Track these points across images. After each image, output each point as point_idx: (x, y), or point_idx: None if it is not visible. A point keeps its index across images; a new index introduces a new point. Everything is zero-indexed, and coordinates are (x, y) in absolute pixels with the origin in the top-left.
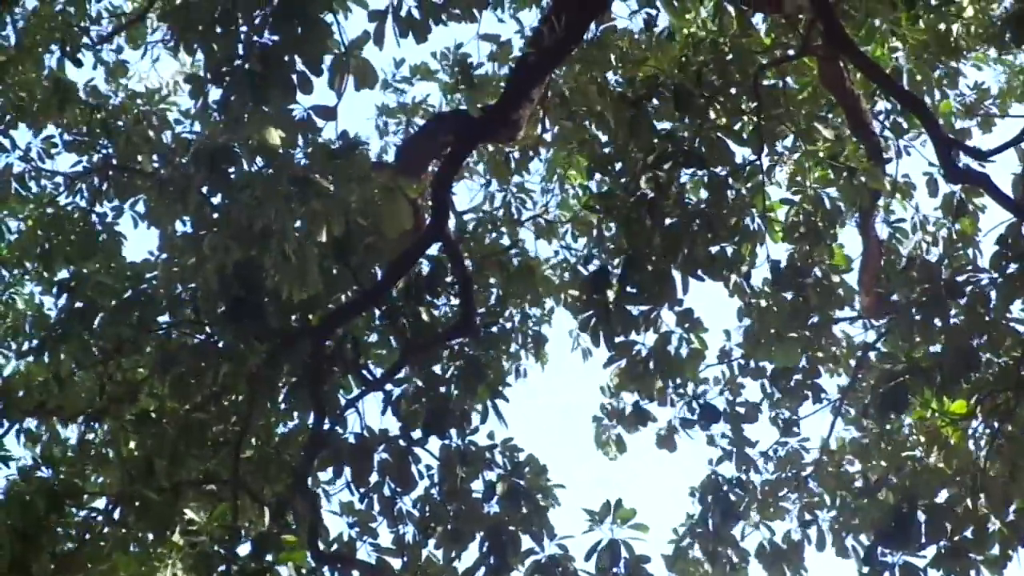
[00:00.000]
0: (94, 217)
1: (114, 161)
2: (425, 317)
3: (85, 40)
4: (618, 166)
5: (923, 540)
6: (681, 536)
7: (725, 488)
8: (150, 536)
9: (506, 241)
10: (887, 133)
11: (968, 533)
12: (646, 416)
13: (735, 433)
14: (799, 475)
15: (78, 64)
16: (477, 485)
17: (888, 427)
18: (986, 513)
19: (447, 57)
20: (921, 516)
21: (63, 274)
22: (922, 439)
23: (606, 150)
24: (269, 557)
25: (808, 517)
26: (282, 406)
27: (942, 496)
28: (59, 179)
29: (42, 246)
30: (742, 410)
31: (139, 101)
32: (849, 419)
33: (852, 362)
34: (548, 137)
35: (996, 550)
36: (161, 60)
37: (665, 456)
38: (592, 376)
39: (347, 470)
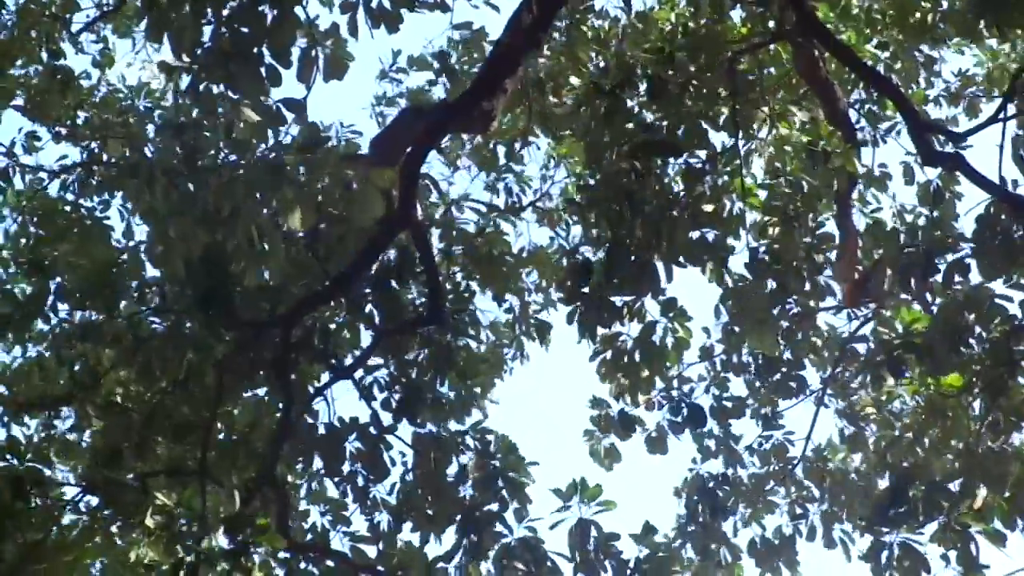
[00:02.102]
0: (83, 210)
1: (106, 156)
2: (394, 304)
3: (67, 31)
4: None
5: (921, 517)
6: (672, 538)
7: (711, 485)
8: (118, 524)
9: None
10: (863, 123)
11: (965, 508)
12: (633, 422)
13: (722, 429)
14: (785, 468)
15: (58, 56)
16: (451, 469)
17: (884, 398)
18: (984, 488)
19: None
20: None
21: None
22: (919, 410)
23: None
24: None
25: (798, 511)
26: (251, 394)
27: (939, 470)
28: (42, 174)
29: (31, 238)
30: (729, 405)
31: (120, 96)
32: (834, 408)
33: (836, 353)
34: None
35: (997, 524)
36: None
37: None
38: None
39: (318, 460)
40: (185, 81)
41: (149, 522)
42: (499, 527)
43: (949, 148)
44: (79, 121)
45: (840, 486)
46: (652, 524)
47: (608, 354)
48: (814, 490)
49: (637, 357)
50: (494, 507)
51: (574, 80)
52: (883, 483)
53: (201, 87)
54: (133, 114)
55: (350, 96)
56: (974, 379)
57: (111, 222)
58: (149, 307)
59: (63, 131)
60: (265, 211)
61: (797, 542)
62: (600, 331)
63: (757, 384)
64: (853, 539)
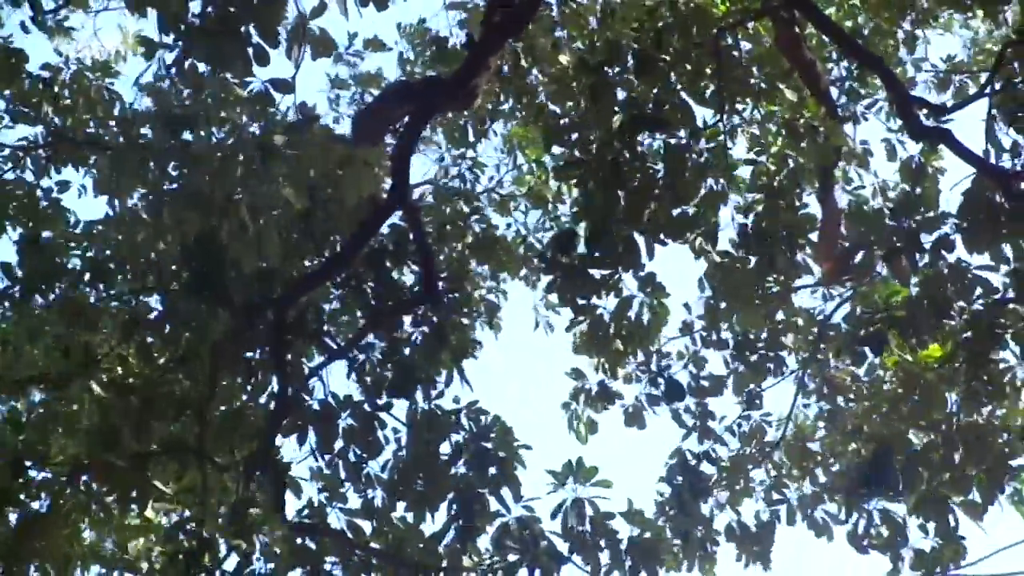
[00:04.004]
0: (39, 192)
1: (70, 135)
2: (387, 285)
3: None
4: (577, 135)
5: (900, 487)
6: (654, 520)
7: (693, 463)
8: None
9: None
10: (843, 100)
11: (945, 479)
12: (612, 395)
13: (700, 407)
14: (763, 449)
15: (25, 30)
16: (444, 448)
17: (863, 371)
18: (964, 459)
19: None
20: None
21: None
22: (896, 381)
23: (563, 121)
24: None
25: (776, 496)
26: (247, 375)
27: (918, 442)
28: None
29: None
30: (707, 383)
31: (87, 74)
32: (808, 392)
33: (814, 330)
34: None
35: (976, 496)
36: (105, 29)
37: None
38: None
39: (312, 437)
40: (169, 58)
41: (150, 513)
42: (495, 506)
43: (932, 123)
44: (42, 104)
45: (820, 467)
46: (636, 507)
47: (584, 326)
48: (794, 471)
49: (612, 331)
50: (484, 490)
51: (562, 58)
52: (859, 454)
53: (186, 64)
54: (97, 91)
55: (307, 79)
56: (956, 352)
57: (68, 201)
58: (143, 288)
59: (23, 109)
60: (257, 191)
61: (776, 527)
62: (578, 303)
63: (735, 363)
64: (838, 519)
